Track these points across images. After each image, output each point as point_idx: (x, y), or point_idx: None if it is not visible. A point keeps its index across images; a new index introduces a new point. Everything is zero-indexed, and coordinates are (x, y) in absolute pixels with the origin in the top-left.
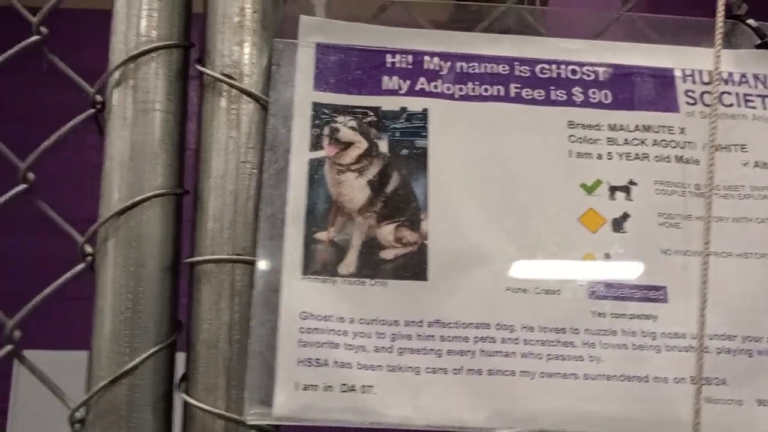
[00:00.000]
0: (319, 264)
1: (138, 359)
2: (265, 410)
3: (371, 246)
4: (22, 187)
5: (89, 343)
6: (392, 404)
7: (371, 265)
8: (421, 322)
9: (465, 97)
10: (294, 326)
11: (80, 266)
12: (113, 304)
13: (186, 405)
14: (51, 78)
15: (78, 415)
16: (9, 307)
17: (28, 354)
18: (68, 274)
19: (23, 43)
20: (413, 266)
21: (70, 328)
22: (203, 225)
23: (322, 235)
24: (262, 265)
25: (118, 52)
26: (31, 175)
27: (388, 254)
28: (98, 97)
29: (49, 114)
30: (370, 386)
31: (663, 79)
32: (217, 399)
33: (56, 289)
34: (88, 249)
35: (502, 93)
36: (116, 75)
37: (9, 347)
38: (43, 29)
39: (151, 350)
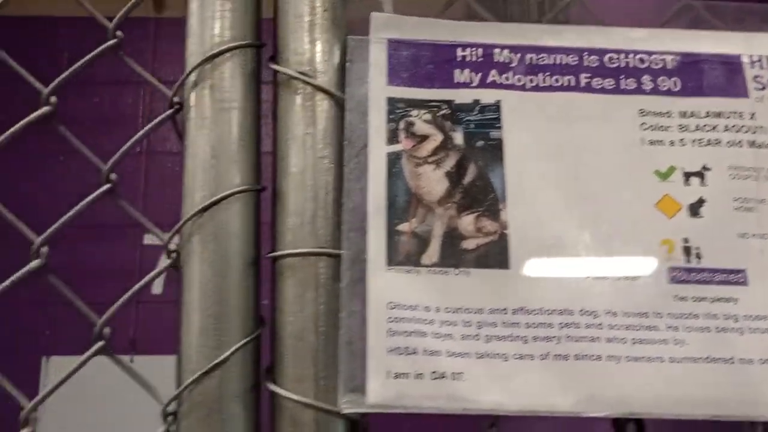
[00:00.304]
0: (403, 255)
1: (228, 352)
2: (359, 398)
3: (453, 236)
4: (106, 186)
5: (177, 337)
6: (483, 390)
7: (454, 255)
8: (505, 309)
9: (536, 88)
10: (382, 316)
11: (165, 263)
12: (201, 299)
13: (274, 396)
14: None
15: (169, 408)
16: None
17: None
18: (153, 274)
19: (101, 48)
20: (495, 255)
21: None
22: (284, 220)
23: (404, 227)
24: (348, 257)
25: (194, 54)
26: (113, 176)
27: (469, 244)
28: (176, 98)
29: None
30: (460, 373)
31: (730, 65)
32: (307, 390)
33: (141, 287)
34: (172, 247)
35: (572, 83)
36: (193, 76)
37: (100, 343)
38: (119, 33)
39: (240, 343)
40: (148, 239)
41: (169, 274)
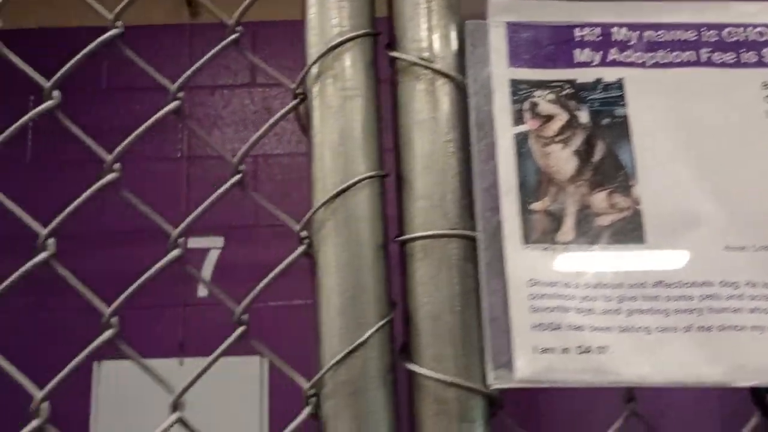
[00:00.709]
0: (539, 233)
1: (369, 332)
2: (507, 374)
3: (586, 213)
4: (237, 179)
5: (315, 321)
6: (629, 363)
7: (589, 232)
8: (644, 284)
9: (657, 65)
10: (523, 293)
11: (300, 249)
12: (338, 282)
13: (413, 375)
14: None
15: (311, 391)
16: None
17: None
18: (286, 262)
19: (224, 43)
20: (630, 230)
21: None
22: (412, 204)
23: (536, 206)
24: (484, 237)
25: (315, 45)
26: (242, 167)
27: (603, 220)
28: (299, 90)
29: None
30: (605, 347)
31: None
32: (447, 368)
33: (274, 278)
34: (304, 234)
35: (693, 58)
36: (315, 68)
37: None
38: (240, 28)
39: (380, 323)
40: (192, 243)
41: (216, 276)
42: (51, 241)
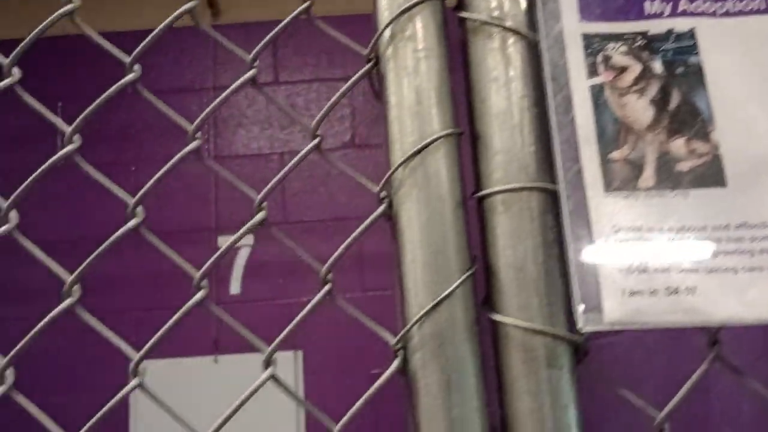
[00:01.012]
0: (619, 181)
1: (454, 285)
2: (597, 318)
3: (666, 160)
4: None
5: (398, 275)
6: (719, 303)
7: (669, 177)
8: (727, 226)
9: (728, 14)
10: (609, 239)
11: (380, 209)
12: (422, 237)
13: (498, 326)
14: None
15: (398, 345)
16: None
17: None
18: (369, 221)
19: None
20: (710, 175)
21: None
22: (490, 159)
23: (616, 155)
24: (566, 186)
25: (387, 9)
26: (319, 132)
27: (683, 166)
28: (371, 55)
29: (137, 131)
30: (693, 287)
31: None
32: (533, 317)
33: (358, 236)
34: (383, 194)
35: (763, 6)
36: (388, 31)
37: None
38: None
39: (464, 276)
40: (222, 241)
41: (246, 273)
42: (140, 209)
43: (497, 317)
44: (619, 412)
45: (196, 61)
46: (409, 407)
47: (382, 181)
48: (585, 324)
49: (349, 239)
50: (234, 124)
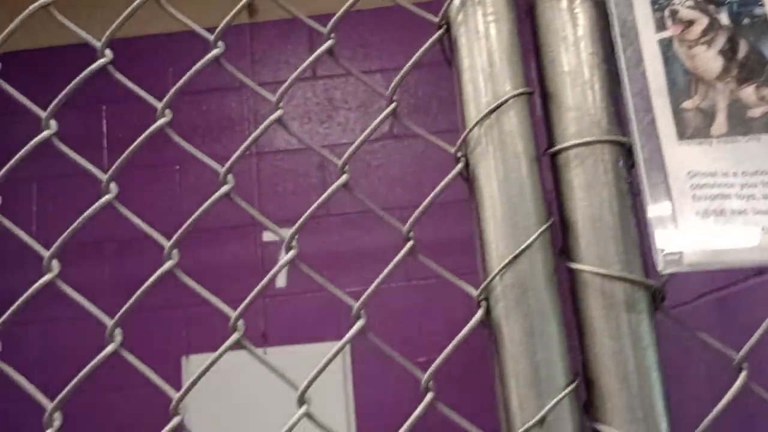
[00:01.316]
0: (692, 129)
1: (534, 235)
2: (675, 260)
3: (737, 107)
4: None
5: (479, 229)
6: None
7: (741, 124)
8: None
9: None
10: (685, 184)
11: (457, 168)
12: (501, 192)
13: (577, 274)
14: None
15: (481, 296)
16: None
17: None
18: (449, 177)
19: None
20: None
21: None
22: (562, 116)
23: (687, 104)
24: (639, 136)
25: None
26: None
27: (754, 112)
28: (442, 22)
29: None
30: None
31: None
32: (612, 265)
33: (439, 192)
34: (460, 153)
35: None
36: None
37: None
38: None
39: (543, 227)
40: (267, 236)
41: (291, 267)
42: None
43: (576, 266)
44: (698, 356)
45: (234, 59)
46: (494, 355)
47: (459, 141)
48: (665, 267)
49: (426, 202)
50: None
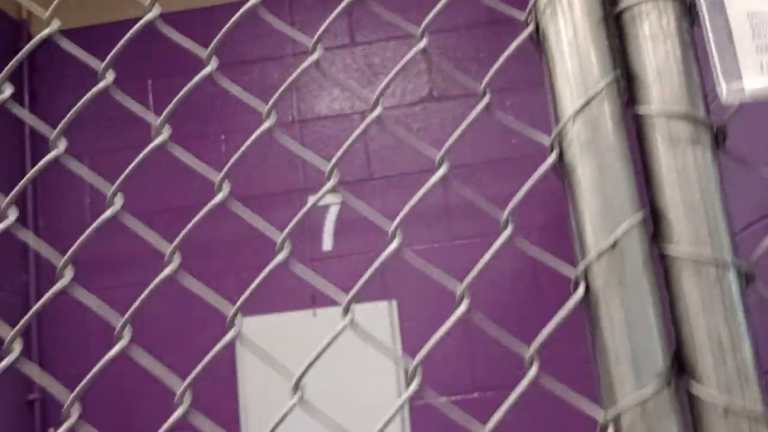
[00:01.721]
0: None
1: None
2: (738, 90)
3: None
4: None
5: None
6: None
7: None
8: None
9: None
10: (744, 24)
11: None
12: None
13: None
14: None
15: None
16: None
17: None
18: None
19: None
20: None
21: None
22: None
23: None
24: None
25: None
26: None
27: None
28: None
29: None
30: None
31: None
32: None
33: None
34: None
35: None
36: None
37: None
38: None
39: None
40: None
41: (337, 230)
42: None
43: (644, 110)
44: None
45: (275, 29)
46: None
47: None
48: (728, 97)
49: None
50: (316, 87)
